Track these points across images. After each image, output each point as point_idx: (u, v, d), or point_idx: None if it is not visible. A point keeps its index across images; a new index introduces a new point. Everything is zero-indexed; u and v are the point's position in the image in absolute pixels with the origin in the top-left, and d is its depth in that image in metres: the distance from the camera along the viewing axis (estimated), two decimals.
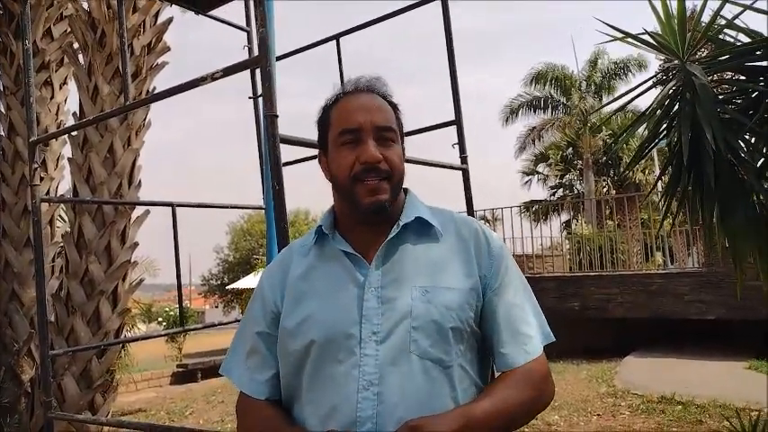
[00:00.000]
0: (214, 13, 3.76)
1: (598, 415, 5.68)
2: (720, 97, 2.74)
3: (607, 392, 6.52)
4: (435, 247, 1.16)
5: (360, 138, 1.13)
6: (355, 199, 1.12)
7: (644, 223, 15.07)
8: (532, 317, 1.17)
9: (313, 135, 1.29)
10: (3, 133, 5.24)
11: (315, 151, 1.30)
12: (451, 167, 2.74)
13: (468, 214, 2.77)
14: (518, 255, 10.51)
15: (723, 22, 2.66)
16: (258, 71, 2.23)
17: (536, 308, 1.20)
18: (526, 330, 1.15)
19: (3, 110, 5.26)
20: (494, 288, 1.15)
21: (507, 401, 1.05)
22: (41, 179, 5.00)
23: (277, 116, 1.77)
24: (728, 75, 2.97)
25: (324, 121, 1.20)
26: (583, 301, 8.98)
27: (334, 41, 3.15)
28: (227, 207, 3.96)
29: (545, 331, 1.18)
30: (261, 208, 3.54)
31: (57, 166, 5.32)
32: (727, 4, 2.56)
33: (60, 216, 5.70)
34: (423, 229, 1.17)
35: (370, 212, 1.12)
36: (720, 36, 2.77)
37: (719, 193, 2.49)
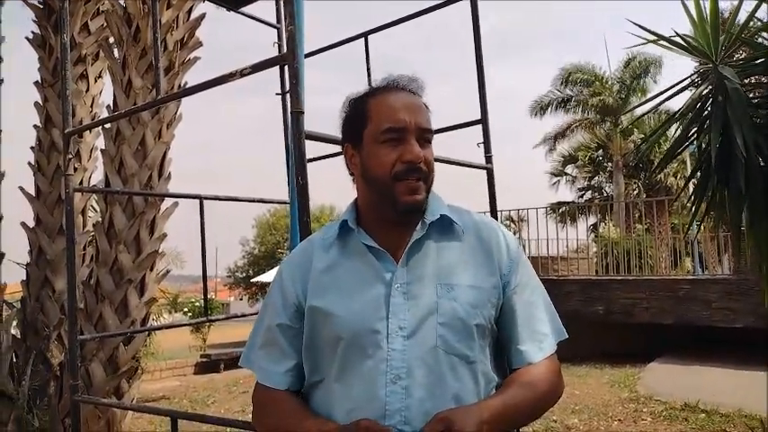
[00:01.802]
0: (246, 10, 3.82)
1: (619, 420, 5.61)
2: (754, 101, 2.69)
3: (629, 398, 6.43)
4: (458, 245, 1.18)
5: (403, 137, 1.14)
6: (394, 197, 1.13)
7: (674, 228, 14.79)
8: (546, 315, 1.21)
9: (338, 131, 1.28)
10: (40, 124, 5.39)
11: (340, 148, 1.28)
12: (476, 167, 2.74)
13: (492, 214, 2.77)
14: (543, 257, 10.40)
15: (759, 24, 2.62)
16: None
17: (549, 306, 1.23)
18: (542, 329, 1.19)
19: (40, 101, 5.41)
20: (513, 287, 1.18)
21: (527, 396, 1.10)
22: (75, 169, 5.13)
23: (303, 113, 1.79)
24: (765, 79, 2.91)
25: (359, 115, 1.19)
26: (608, 305, 8.86)
27: (362, 39, 3.17)
28: (253, 201, 4.01)
29: (558, 328, 1.22)
30: (285, 203, 3.58)
31: (90, 157, 5.45)
32: (763, 5, 2.51)
33: (92, 206, 5.85)
34: (446, 227, 1.19)
35: (407, 212, 1.14)
36: (756, 39, 2.72)
37: (749, 199, 2.45)
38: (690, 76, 2.82)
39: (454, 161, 2.58)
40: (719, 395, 6.01)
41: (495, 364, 1.18)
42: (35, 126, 5.41)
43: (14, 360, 4.91)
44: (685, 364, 8.08)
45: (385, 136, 1.14)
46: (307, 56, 2.89)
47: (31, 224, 5.28)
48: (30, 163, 5.38)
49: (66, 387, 4.52)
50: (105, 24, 5.15)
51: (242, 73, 2.08)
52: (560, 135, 20.56)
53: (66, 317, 4.67)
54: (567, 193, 22.26)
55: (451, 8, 2.85)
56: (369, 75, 3.13)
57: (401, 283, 1.12)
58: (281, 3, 3.85)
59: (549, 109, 19.62)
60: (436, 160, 1.22)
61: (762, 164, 2.45)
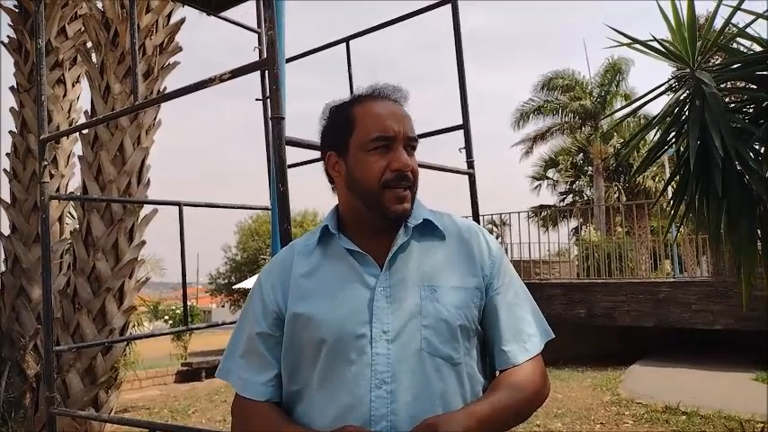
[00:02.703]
0: (226, 14, 3.79)
1: (601, 423, 5.64)
2: (731, 106, 2.73)
3: (611, 401, 6.47)
4: (441, 248, 1.19)
5: (392, 145, 1.14)
6: (382, 205, 1.13)
7: (653, 231, 14.99)
8: (531, 316, 1.21)
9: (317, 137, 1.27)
10: (15, 130, 5.29)
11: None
12: (458, 172, 2.74)
13: (474, 219, 2.77)
14: (525, 260, 10.46)
15: (735, 30, 2.66)
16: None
17: (534, 307, 1.23)
18: (526, 329, 1.18)
19: (16, 107, 5.32)
20: (495, 288, 1.18)
21: (513, 399, 1.09)
22: (51, 176, 5.05)
23: (283, 118, 1.77)
24: (741, 84, 2.95)
25: (344, 122, 1.18)
26: (589, 308, 8.93)
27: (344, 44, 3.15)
28: (234, 207, 3.97)
29: (545, 330, 1.22)
30: (267, 209, 3.55)
31: (67, 163, 5.37)
32: (739, 13, 2.55)
33: (69, 213, 5.75)
34: (428, 231, 1.19)
35: (395, 220, 1.15)
36: (732, 44, 2.77)
37: (727, 203, 2.48)
38: (668, 81, 2.85)
39: (436, 166, 2.58)
40: (700, 397, 6.08)
41: (481, 366, 1.18)
42: (11, 132, 5.31)
43: None
44: (666, 366, 8.16)
45: (374, 144, 1.14)
46: (288, 60, 2.87)
47: (7, 232, 5.18)
48: (5, 170, 5.28)
49: (43, 399, 4.42)
50: (83, 28, 5.09)
51: (221, 78, 2.05)
52: (539, 138, 20.75)
53: (42, 326, 4.58)
54: (548, 197, 22.47)
55: (435, 11, 2.86)
56: (351, 80, 3.12)
57: (384, 287, 1.11)
58: (262, 7, 3.83)
59: (531, 116, 19.79)
60: (419, 166, 1.21)
61: (739, 167, 2.49)
